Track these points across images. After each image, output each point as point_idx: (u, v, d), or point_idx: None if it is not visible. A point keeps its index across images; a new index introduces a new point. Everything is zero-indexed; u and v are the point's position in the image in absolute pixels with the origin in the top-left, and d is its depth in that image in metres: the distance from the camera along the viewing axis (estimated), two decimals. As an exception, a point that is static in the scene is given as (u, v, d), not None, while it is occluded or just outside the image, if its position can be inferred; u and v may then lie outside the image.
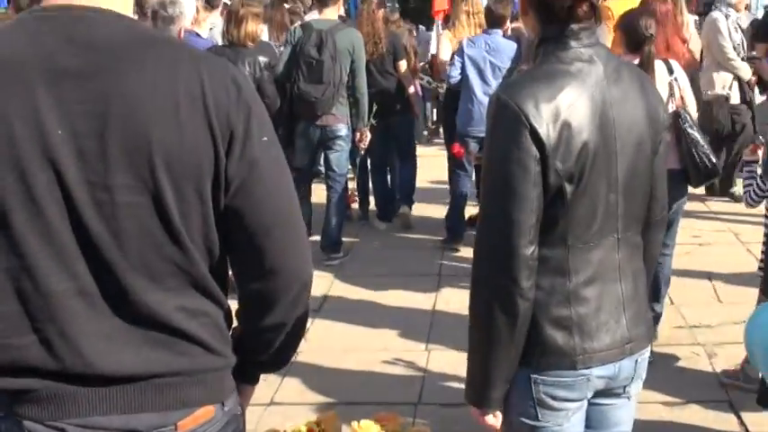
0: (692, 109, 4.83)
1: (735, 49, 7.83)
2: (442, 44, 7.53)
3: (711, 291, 5.95)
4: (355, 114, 7.02)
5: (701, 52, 8.17)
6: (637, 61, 4.45)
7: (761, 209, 4.36)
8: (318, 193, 7.61)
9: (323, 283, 6.43)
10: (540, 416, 2.25)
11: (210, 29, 7.74)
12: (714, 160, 4.58)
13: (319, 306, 5.97)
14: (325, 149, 7.02)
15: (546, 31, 2.22)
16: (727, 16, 8.03)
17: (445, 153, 7.73)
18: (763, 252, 4.28)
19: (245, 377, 1.86)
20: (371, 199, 8.33)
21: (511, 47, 6.82)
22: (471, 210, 7.07)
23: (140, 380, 1.63)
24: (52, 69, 1.56)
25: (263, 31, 7.45)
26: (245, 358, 1.81)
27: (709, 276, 6.17)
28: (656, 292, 4.57)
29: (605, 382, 2.28)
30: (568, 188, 2.09)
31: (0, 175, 1.54)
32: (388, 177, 8.25)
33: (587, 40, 2.18)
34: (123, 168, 1.56)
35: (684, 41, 5.89)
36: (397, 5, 11.30)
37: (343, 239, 7.22)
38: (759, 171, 4.06)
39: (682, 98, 4.69)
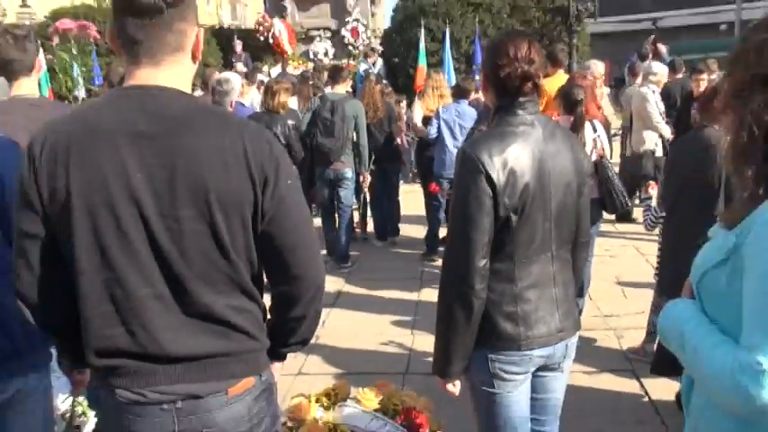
0: (607, 154, 4.89)
1: (660, 114, 7.84)
2: (415, 110, 7.62)
3: (619, 290, 6.00)
4: (358, 162, 7.01)
5: (631, 116, 8.34)
6: (572, 119, 4.52)
7: (656, 231, 4.40)
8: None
9: (336, 285, 6.47)
10: (495, 385, 2.28)
11: (251, 103, 7.83)
12: (625, 196, 4.65)
13: (334, 301, 6.01)
14: (336, 187, 7.02)
15: (500, 102, 2.24)
16: (653, 91, 8.10)
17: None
18: (657, 262, 4.30)
19: (276, 356, 1.88)
20: (370, 224, 8.34)
21: (473, 113, 6.93)
22: (443, 231, 7.05)
23: (199, 359, 1.66)
24: (132, 133, 1.59)
25: (292, 101, 7.48)
26: (276, 342, 1.83)
27: (617, 279, 6.23)
28: (579, 290, 4.59)
29: (544, 360, 2.31)
30: (513, 218, 2.13)
31: (97, 211, 1.58)
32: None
33: (531, 109, 2.21)
34: (187, 205, 1.59)
35: (600, 108, 5.93)
36: (386, 82, 11.40)
37: (350, 253, 7.25)
38: (653, 203, 4.11)
39: (603, 149, 4.75)
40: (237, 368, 1.71)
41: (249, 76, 10.82)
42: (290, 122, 6.54)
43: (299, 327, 1.83)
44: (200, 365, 1.66)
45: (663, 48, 12.81)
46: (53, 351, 2.19)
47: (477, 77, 7.96)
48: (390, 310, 5.73)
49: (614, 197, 4.54)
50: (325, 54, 16.24)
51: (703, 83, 7.60)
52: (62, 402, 1.78)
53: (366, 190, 7.76)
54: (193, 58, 1.71)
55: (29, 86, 2.88)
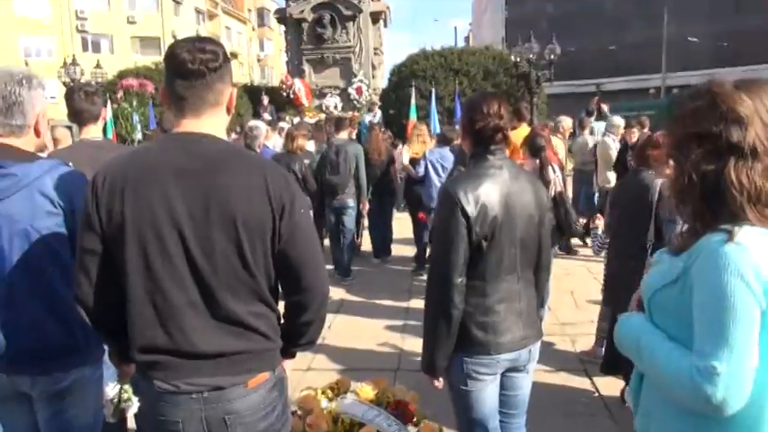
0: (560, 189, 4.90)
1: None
2: (403, 153, 7.70)
3: (573, 302, 5.93)
4: (359, 193, 7.04)
5: (596, 160, 8.54)
6: (537, 161, 4.53)
7: (603, 254, 4.37)
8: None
9: (340, 294, 6.35)
10: (469, 384, 2.24)
11: (274, 146, 7.89)
12: (577, 223, 4.67)
13: (338, 309, 5.89)
14: (341, 215, 7.01)
15: (475, 149, 2.24)
16: (613, 140, 8.26)
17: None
18: (603, 279, 4.27)
19: (288, 355, 1.84)
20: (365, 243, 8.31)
21: (451, 156, 6.94)
22: (429, 251, 7.02)
23: (224, 356, 1.63)
24: (177, 170, 1.59)
25: (310, 144, 7.52)
26: (287, 342, 1.79)
27: (572, 293, 6.16)
28: (541, 302, 4.55)
29: (510, 363, 2.27)
30: (484, 244, 2.11)
31: (145, 233, 1.58)
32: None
33: (500, 155, 2.22)
34: (219, 229, 1.58)
35: (555, 153, 5.95)
36: (384, 129, 11.45)
37: (352, 268, 7.17)
38: (599, 232, 4.08)
39: (561, 186, 4.74)
40: (255, 364, 1.67)
41: (273, 125, 10.86)
42: (305, 161, 6.60)
43: (308, 330, 1.80)
44: (225, 362, 1.62)
45: (605, 107, 12.92)
46: (105, 347, 2.15)
47: (458, 128, 8.01)
48: (384, 317, 5.64)
49: (570, 224, 4.57)
50: (335, 107, 16.31)
51: (635, 135, 7.68)
52: (111, 390, 1.73)
53: (365, 215, 7.71)
54: (228, 111, 1.74)
55: (95, 132, 2.96)
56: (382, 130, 9.11)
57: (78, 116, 2.90)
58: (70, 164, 2.04)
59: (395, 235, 8.10)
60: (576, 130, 9.79)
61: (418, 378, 2.29)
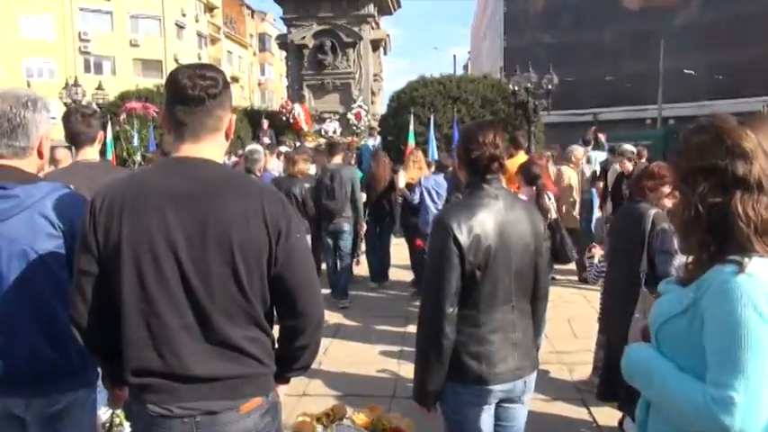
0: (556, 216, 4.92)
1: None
2: (399, 178, 7.77)
3: (570, 330, 5.90)
4: (356, 216, 7.06)
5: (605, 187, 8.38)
6: (534, 189, 4.56)
7: (600, 283, 4.38)
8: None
9: (336, 319, 6.33)
10: (462, 414, 2.22)
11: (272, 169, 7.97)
12: (573, 250, 4.68)
13: (334, 333, 5.86)
14: (338, 239, 7.05)
15: (471, 178, 2.24)
16: (614, 171, 8.22)
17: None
18: (600, 308, 4.27)
19: (282, 380, 1.83)
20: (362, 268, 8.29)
21: (446, 184, 7.05)
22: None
23: (218, 380, 1.62)
24: (175, 194, 1.60)
25: (312, 168, 7.57)
26: (282, 367, 1.79)
27: (569, 321, 6.13)
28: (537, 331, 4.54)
29: (505, 394, 2.23)
30: (478, 273, 2.10)
31: (141, 255, 1.59)
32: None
33: (495, 184, 2.21)
34: (215, 252, 1.59)
35: (552, 182, 6.00)
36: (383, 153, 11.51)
37: (349, 293, 7.15)
38: (596, 261, 4.10)
39: (556, 213, 4.77)
40: (249, 389, 1.66)
41: (272, 148, 10.93)
42: (306, 185, 6.65)
43: (303, 355, 1.80)
44: (218, 386, 1.62)
45: (602, 136, 13.02)
46: (99, 371, 2.14)
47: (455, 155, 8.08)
48: (381, 342, 5.61)
49: (566, 251, 4.58)
50: (334, 132, 16.43)
51: (626, 164, 7.72)
52: (103, 414, 1.73)
53: (363, 237, 7.70)
54: (227, 136, 1.75)
55: (92, 154, 2.96)
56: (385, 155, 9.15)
57: (75, 138, 2.91)
58: (72, 186, 2.06)
59: (392, 260, 8.09)
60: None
61: (414, 405, 2.28)
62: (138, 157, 12.90)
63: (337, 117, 16.90)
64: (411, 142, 12.53)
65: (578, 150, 8.58)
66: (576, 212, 7.78)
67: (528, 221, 2.24)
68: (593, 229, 8.73)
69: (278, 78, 53.92)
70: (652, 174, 3.52)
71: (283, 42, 17.75)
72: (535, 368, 2.33)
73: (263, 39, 58.90)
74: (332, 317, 6.21)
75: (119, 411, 1.71)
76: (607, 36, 43.23)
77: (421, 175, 7.38)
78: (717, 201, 1.35)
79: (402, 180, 7.68)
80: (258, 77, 58.84)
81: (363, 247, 8.10)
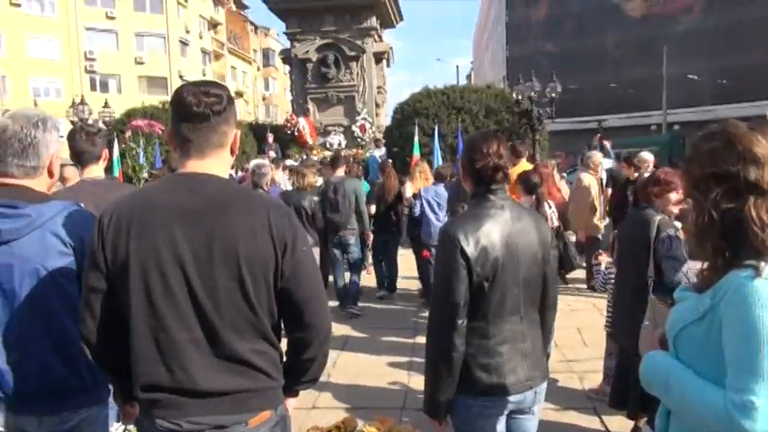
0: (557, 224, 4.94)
1: None
2: (407, 188, 7.86)
3: (580, 338, 5.87)
4: (362, 228, 7.10)
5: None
6: (533, 198, 4.56)
7: (609, 287, 4.36)
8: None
9: (345, 331, 6.31)
10: (473, 426, 2.20)
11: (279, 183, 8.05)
12: (576, 258, 4.69)
13: (343, 345, 5.84)
14: (345, 251, 7.10)
15: (476, 189, 2.23)
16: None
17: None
18: (607, 315, 4.25)
19: (290, 392, 1.83)
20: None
21: (446, 194, 7.10)
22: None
23: (227, 394, 1.63)
24: (182, 209, 1.62)
25: (317, 181, 7.66)
26: (290, 380, 1.79)
27: (579, 329, 6.09)
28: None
29: (515, 405, 2.21)
30: (486, 284, 2.09)
31: (149, 270, 1.60)
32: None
33: (501, 195, 2.20)
34: (222, 266, 1.60)
35: (559, 190, 5.99)
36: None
37: (359, 303, 7.18)
38: (602, 268, 4.09)
39: (559, 221, 4.77)
40: (257, 403, 1.67)
41: (277, 162, 10.99)
42: (315, 198, 6.73)
43: (311, 367, 1.80)
44: (227, 400, 1.62)
45: (607, 143, 13.01)
46: (110, 387, 2.15)
47: (459, 166, 8.09)
48: (390, 354, 5.59)
49: (570, 258, 4.58)
50: (339, 144, 16.49)
51: (625, 169, 7.66)
52: (115, 430, 1.73)
53: (370, 247, 7.73)
54: (232, 152, 1.77)
55: (96, 172, 2.99)
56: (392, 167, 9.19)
57: (80, 157, 2.94)
58: (82, 204, 2.08)
59: (400, 271, 8.08)
60: (579, 166, 9.82)
61: (424, 417, 2.27)
62: (144, 174, 12.97)
63: (342, 130, 16.97)
64: (416, 153, 12.57)
65: (597, 156, 8.40)
66: (596, 219, 7.60)
67: (535, 231, 2.23)
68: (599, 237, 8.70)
69: (282, 92, 54.27)
70: (658, 180, 3.52)
71: (287, 57, 17.87)
72: (545, 378, 2.31)
73: (266, 54, 59.37)
74: (340, 329, 6.21)
75: (131, 427, 1.71)
76: (610, 43, 43.32)
77: (426, 186, 7.44)
78: (730, 206, 1.36)
79: (409, 191, 7.74)
80: (262, 92, 59.24)
81: (370, 258, 8.12)
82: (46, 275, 1.88)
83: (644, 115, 39.91)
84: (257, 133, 17.50)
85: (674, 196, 3.43)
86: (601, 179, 8.94)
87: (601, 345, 4.79)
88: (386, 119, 18.35)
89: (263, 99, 58.57)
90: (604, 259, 4.07)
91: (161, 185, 1.77)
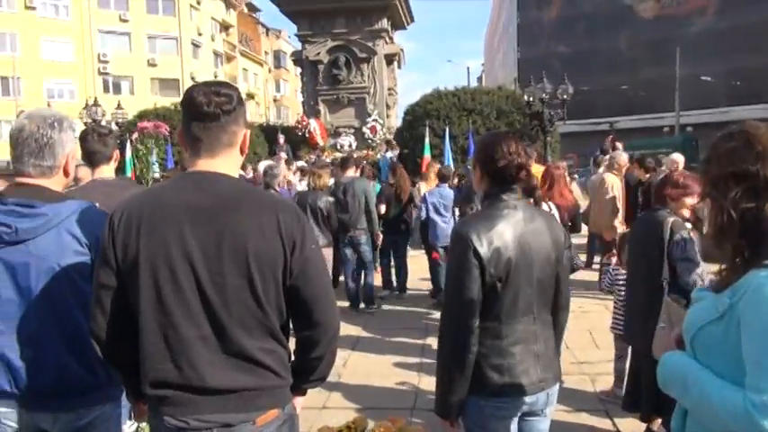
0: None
1: None
2: (421, 189, 8.01)
3: (591, 340, 5.82)
4: (372, 228, 7.15)
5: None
6: (532, 200, 4.53)
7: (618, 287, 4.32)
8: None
9: (356, 332, 6.29)
10: (485, 427, 2.17)
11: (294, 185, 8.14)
12: (580, 261, 4.64)
13: (353, 346, 5.83)
14: (356, 250, 7.14)
15: (491, 189, 2.20)
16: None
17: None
18: (624, 317, 4.21)
19: (299, 392, 1.83)
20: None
21: (451, 194, 7.16)
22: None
23: (234, 392, 1.63)
24: (191, 207, 1.63)
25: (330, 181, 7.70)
26: (298, 379, 1.79)
27: (590, 331, 6.05)
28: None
29: (528, 407, 2.18)
30: (499, 285, 2.07)
31: (159, 268, 1.61)
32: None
33: (514, 196, 2.18)
34: (230, 263, 1.61)
35: (571, 191, 5.93)
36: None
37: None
38: (610, 268, 4.07)
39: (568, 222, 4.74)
40: (265, 401, 1.67)
41: (288, 163, 11.02)
42: (329, 198, 6.79)
43: (319, 365, 1.80)
44: (234, 398, 1.62)
45: (619, 145, 12.90)
46: (123, 385, 2.17)
47: (470, 167, 8.07)
48: (400, 354, 5.59)
49: (573, 262, 4.56)
50: (350, 146, 16.50)
51: (636, 170, 7.56)
52: (128, 428, 1.74)
53: (378, 246, 7.74)
54: (242, 151, 1.78)
55: (108, 172, 3.04)
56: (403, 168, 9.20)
57: (91, 157, 2.98)
58: (97, 204, 2.10)
59: (411, 272, 8.08)
60: (591, 168, 9.76)
61: (435, 418, 2.25)
62: (154, 175, 13.06)
63: (352, 131, 16.97)
64: (427, 154, 12.55)
65: (623, 157, 8.17)
66: (617, 221, 7.40)
67: (548, 231, 2.21)
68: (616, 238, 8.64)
69: (293, 94, 54.46)
70: (676, 182, 3.48)
71: (298, 59, 17.91)
72: (558, 380, 2.29)
73: (278, 56, 59.66)
74: (351, 329, 6.21)
75: (144, 425, 1.73)
76: (622, 44, 43.11)
77: (431, 189, 7.48)
78: (749, 206, 1.36)
79: (423, 191, 7.77)
80: (273, 93, 59.52)
81: (378, 258, 8.13)
82: (61, 273, 1.90)
83: (656, 117, 39.65)
84: (268, 135, 17.55)
85: (689, 200, 3.40)
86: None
87: (612, 347, 4.75)
88: (397, 120, 18.34)
89: (275, 101, 58.84)
90: (615, 260, 4.04)
91: (171, 184, 1.78)
